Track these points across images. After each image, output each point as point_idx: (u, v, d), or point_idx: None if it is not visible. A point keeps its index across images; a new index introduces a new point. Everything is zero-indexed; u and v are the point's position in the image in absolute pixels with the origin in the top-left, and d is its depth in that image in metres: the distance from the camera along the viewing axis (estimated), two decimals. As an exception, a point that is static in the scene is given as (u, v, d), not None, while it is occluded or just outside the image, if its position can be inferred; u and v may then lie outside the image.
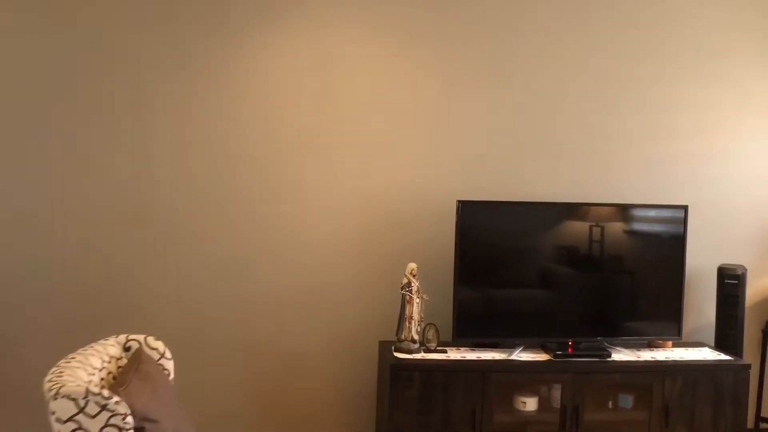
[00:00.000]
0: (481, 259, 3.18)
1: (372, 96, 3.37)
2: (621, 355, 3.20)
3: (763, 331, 3.64)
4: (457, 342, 3.22)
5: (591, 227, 3.24)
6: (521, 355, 3.15)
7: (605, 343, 3.27)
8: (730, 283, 3.46)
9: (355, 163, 3.38)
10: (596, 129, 3.52)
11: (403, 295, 3.11)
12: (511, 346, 3.24)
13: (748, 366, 3.15)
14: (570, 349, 3.17)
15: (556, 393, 3.14)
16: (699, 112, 3.57)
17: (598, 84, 3.50)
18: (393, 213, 3.42)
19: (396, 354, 3.08)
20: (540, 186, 3.50)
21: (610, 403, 3.24)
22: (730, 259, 3.64)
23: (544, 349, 3.23)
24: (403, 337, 3.12)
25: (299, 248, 3.37)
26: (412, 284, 3.10)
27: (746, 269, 3.45)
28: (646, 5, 3.51)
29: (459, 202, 3.13)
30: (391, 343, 3.21)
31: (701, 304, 3.64)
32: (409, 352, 3.09)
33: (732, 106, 3.60)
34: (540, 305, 3.24)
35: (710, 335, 3.61)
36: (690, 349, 3.36)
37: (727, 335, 3.46)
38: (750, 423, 3.60)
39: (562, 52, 3.47)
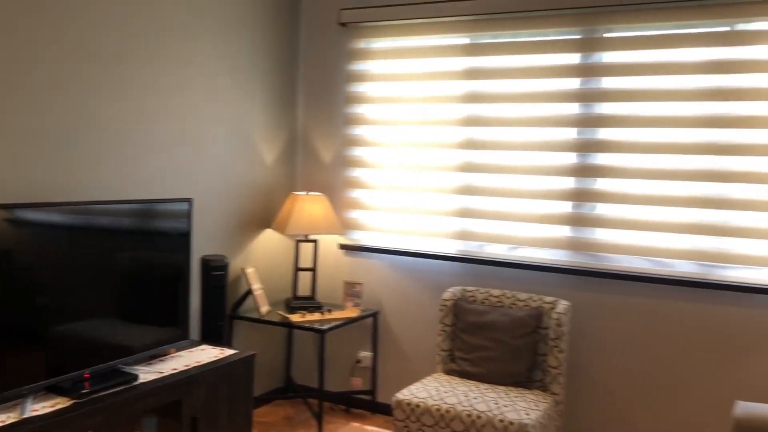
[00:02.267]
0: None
1: None
2: (146, 375, 2.79)
3: (229, 315, 3.75)
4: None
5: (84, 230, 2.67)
6: (36, 408, 2.38)
7: (122, 365, 2.79)
8: (216, 275, 3.43)
9: None
10: (76, 115, 2.90)
11: None
12: (14, 398, 2.41)
13: (254, 355, 3.20)
14: (87, 384, 2.58)
15: (82, 442, 2.51)
16: (168, 96, 3.36)
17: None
18: None
19: None
20: (18, 183, 2.66)
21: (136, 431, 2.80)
22: (203, 250, 3.59)
23: (59, 391, 2.53)
24: None
25: None
26: None
27: (228, 259, 3.48)
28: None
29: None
30: None
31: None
32: None
33: (201, 91, 3.52)
34: (44, 336, 2.50)
35: (193, 327, 3.51)
36: (195, 350, 3.19)
37: (215, 327, 3.43)
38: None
39: (28, 23, 2.69)
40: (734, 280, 3.16)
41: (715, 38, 3.18)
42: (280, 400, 4.18)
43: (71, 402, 2.46)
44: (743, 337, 3.15)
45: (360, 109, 4.03)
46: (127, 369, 2.79)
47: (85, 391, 2.51)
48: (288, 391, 4.25)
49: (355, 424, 3.87)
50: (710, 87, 3.19)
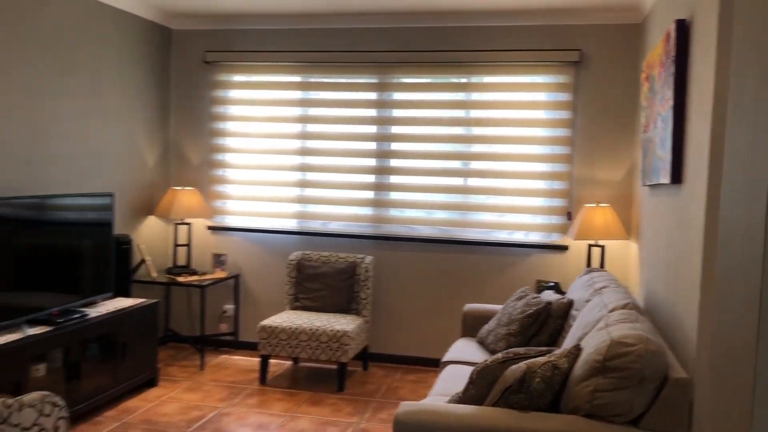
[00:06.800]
0: (2, 255, 3.43)
1: None
2: (91, 313, 4.06)
3: (131, 270, 5.02)
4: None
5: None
6: (30, 331, 3.61)
7: (73, 307, 4.04)
8: (123, 248, 4.71)
9: None
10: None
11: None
12: (13, 328, 3.62)
13: (158, 302, 4.55)
14: (56, 317, 3.82)
15: (57, 354, 3.76)
16: (81, 119, 4.57)
17: None
18: None
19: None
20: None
21: (85, 352, 4.06)
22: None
23: (40, 323, 3.75)
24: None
25: None
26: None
27: (131, 236, 4.76)
28: (55, 28, 4.25)
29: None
30: None
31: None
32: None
33: (103, 113, 4.76)
34: (29, 288, 3.72)
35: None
36: (114, 300, 4.47)
37: (125, 286, 4.71)
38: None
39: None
40: (467, 238, 5.06)
41: (458, 86, 5.05)
42: (160, 346, 5.50)
43: (50, 327, 3.71)
44: (471, 272, 5.07)
45: (222, 125, 5.46)
46: (78, 310, 4.04)
47: (57, 321, 3.76)
48: (167, 339, 5.57)
49: (224, 356, 5.31)
50: (454, 117, 5.05)
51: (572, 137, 4.90)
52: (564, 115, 4.90)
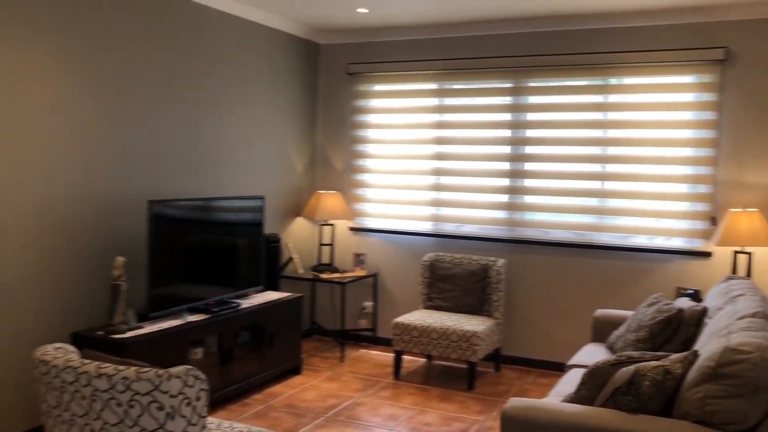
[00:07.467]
0: (169, 250, 3.94)
1: (36, 101, 3.55)
2: (243, 304, 4.50)
3: (279, 266, 5.47)
4: (150, 318, 3.89)
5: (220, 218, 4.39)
6: (190, 318, 4.09)
7: (227, 299, 4.50)
8: (273, 247, 5.15)
9: (37, 170, 3.51)
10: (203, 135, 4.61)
11: (119, 285, 3.60)
12: (176, 314, 4.12)
13: (303, 296, 4.93)
14: (212, 307, 4.28)
15: (212, 340, 4.23)
16: (241, 128, 5.06)
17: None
18: (89, 216, 3.73)
19: (113, 336, 3.57)
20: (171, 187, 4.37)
21: (237, 340, 4.51)
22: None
23: (198, 311, 4.23)
24: (116, 321, 3.61)
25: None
26: (123, 275, 3.63)
27: (280, 235, 5.19)
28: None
29: (149, 201, 3.80)
30: (91, 331, 3.62)
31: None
32: (123, 332, 3.63)
33: (261, 122, 5.24)
34: (190, 280, 4.21)
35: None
36: (265, 294, 4.91)
37: (274, 280, 5.15)
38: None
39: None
40: (602, 243, 4.98)
41: (596, 88, 4.99)
42: (304, 339, 5.91)
43: (207, 315, 4.17)
44: (606, 277, 4.97)
45: (362, 132, 5.78)
46: (232, 301, 4.50)
47: (213, 310, 4.22)
48: (312, 332, 5.97)
49: (363, 350, 5.62)
50: (591, 119, 5.00)
51: (717, 139, 4.68)
52: (708, 116, 4.69)
